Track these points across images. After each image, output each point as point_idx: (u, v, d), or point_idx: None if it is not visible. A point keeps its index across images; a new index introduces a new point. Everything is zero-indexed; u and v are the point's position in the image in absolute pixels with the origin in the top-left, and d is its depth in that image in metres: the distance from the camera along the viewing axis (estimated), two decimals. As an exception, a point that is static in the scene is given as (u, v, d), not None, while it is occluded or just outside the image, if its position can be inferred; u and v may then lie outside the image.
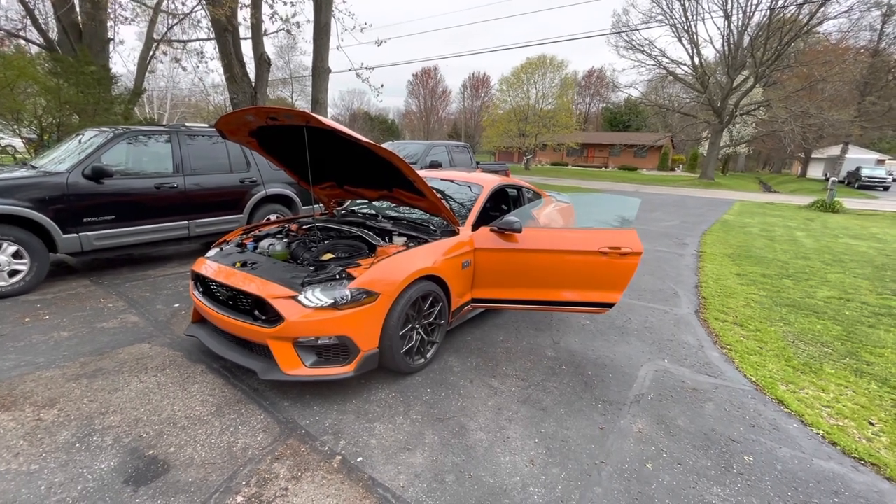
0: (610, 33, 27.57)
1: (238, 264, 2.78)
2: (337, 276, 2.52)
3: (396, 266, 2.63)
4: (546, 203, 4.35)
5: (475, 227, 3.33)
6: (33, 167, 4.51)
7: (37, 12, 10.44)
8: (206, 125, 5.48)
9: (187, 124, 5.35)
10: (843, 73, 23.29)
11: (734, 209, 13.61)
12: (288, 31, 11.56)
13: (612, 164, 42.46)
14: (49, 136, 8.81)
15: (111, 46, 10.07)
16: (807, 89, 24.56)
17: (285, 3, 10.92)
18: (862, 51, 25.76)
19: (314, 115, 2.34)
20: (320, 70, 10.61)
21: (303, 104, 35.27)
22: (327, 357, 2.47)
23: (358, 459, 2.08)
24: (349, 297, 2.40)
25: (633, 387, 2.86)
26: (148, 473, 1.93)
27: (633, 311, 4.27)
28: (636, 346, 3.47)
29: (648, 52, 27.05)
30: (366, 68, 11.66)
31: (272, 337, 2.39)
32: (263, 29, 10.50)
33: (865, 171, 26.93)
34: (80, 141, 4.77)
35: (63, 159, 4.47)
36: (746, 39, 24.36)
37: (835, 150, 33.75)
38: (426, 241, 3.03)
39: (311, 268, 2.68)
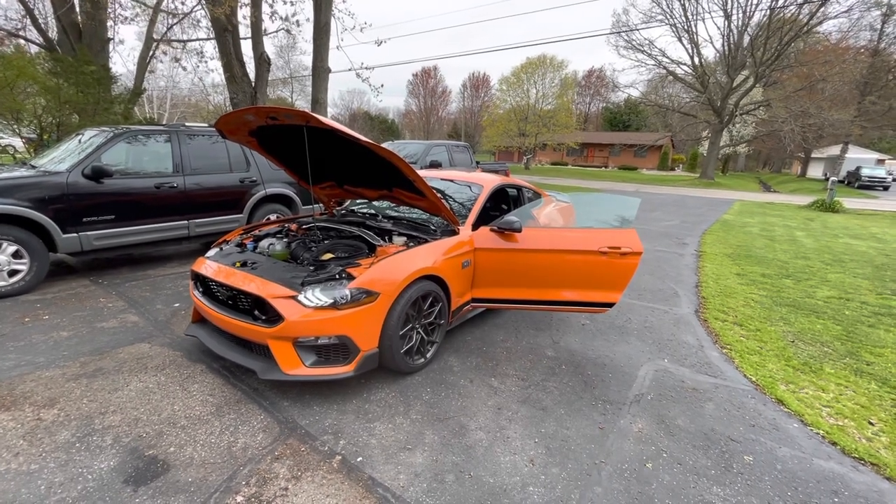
0: (610, 33, 27.60)
1: (238, 264, 2.78)
2: (337, 276, 2.52)
3: (396, 266, 2.63)
4: (546, 203, 4.35)
5: (475, 226, 3.33)
6: (33, 167, 4.50)
7: (36, 12, 10.46)
8: (205, 125, 5.48)
9: (187, 124, 5.35)
10: (843, 73, 23.28)
11: (734, 209, 13.61)
12: (288, 31, 11.58)
13: (612, 163, 42.46)
14: (49, 136, 8.81)
15: (111, 46, 10.07)
16: (807, 89, 24.55)
17: (285, 3, 10.94)
18: (862, 51, 25.75)
19: (314, 114, 2.34)
20: (320, 70, 10.61)
21: (303, 104, 35.25)
22: (327, 357, 2.47)
23: (358, 459, 2.08)
24: (349, 296, 2.40)
25: (632, 386, 2.86)
26: (148, 473, 1.93)
27: (633, 310, 4.27)
28: (636, 346, 3.47)
29: (648, 51, 27.07)
30: (366, 68, 11.66)
31: (272, 337, 2.39)
32: (263, 28, 10.50)
33: (865, 171, 26.92)
34: (79, 140, 4.77)
35: (63, 159, 4.46)
36: (746, 39, 24.35)
37: (835, 150, 33.76)
38: (426, 241, 3.03)
39: (311, 267, 2.68)
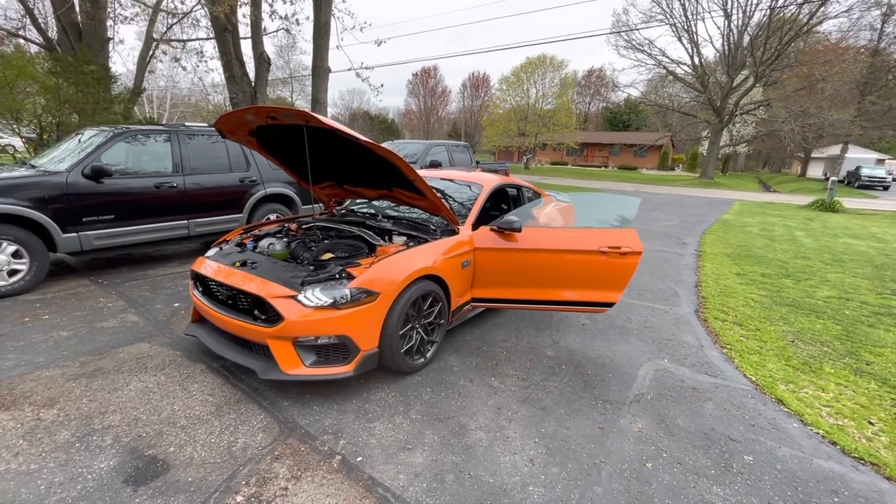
0: (610, 33, 27.60)
1: (238, 264, 2.78)
2: (337, 276, 2.52)
3: (396, 265, 2.63)
4: (546, 202, 4.35)
5: (475, 226, 3.33)
6: (33, 166, 4.50)
7: (36, 11, 10.45)
8: (205, 124, 5.48)
9: (187, 123, 5.35)
10: (843, 73, 23.29)
11: (734, 209, 13.61)
12: (287, 30, 11.58)
13: (611, 163, 42.46)
14: (48, 136, 8.80)
15: (111, 46, 10.06)
16: (807, 89, 24.56)
17: (285, 2, 10.94)
18: (862, 50, 25.76)
19: (314, 114, 2.34)
20: (320, 69, 10.60)
21: (303, 104, 35.24)
22: (327, 356, 2.47)
23: (358, 459, 2.08)
24: (349, 296, 2.40)
25: (632, 386, 2.86)
26: (147, 473, 1.93)
27: (632, 310, 4.27)
28: (636, 346, 3.47)
29: (648, 51, 27.07)
30: (365, 68, 11.65)
31: (272, 336, 2.39)
32: (263, 28, 10.50)
33: (865, 171, 26.92)
34: (79, 140, 4.76)
35: (62, 159, 4.46)
36: (746, 39, 24.35)
37: (835, 150, 33.78)
38: (426, 241, 3.02)
39: (311, 267, 2.68)
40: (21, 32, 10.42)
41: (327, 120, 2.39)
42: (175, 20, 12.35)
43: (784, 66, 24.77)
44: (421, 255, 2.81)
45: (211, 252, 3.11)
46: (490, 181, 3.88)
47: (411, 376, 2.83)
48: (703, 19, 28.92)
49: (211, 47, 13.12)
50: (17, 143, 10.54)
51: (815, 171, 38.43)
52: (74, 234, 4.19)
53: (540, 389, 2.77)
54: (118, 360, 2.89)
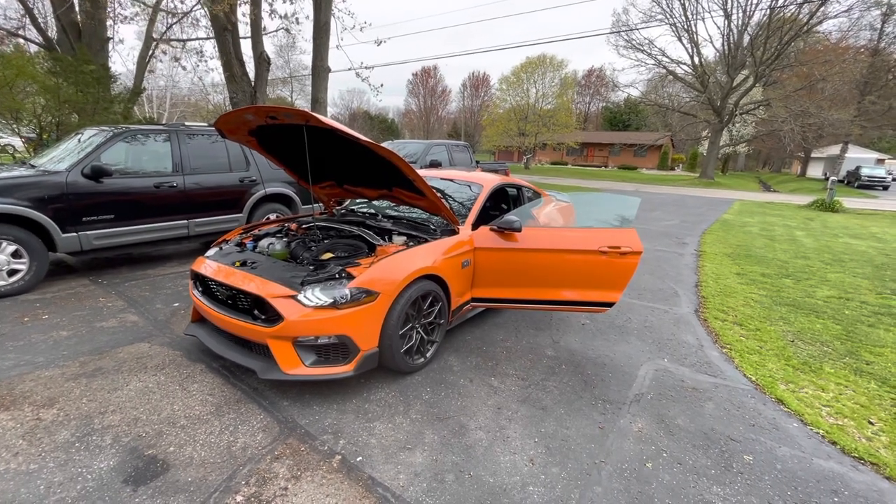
0: (610, 32, 27.58)
1: (237, 263, 2.77)
2: (337, 276, 2.51)
3: (396, 265, 2.63)
4: (546, 202, 4.35)
5: (475, 226, 3.33)
6: (32, 166, 4.50)
7: (36, 11, 10.44)
8: (205, 124, 5.48)
9: (186, 123, 5.35)
10: (842, 73, 23.29)
11: (734, 208, 13.61)
12: (287, 30, 11.57)
13: (611, 163, 42.45)
14: (48, 136, 8.80)
15: (110, 45, 10.07)
16: (807, 88, 24.55)
17: (285, 1, 10.92)
18: (862, 50, 25.76)
19: (314, 114, 2.34)
20: (320, 69, 10.60)
21: (302, 103, 35.24)
22: (327, 356, 2.47)
23: (357, 459, 2.07)
24: (349, 296, 2.40)
25: (632, 386, 2.86)
26: (147, 473, 1.93)
27: (632, 310, 4.27)
28: (636, 346, 3.47)
29: (648, 51, 27.06)
30: (365, 67, 11.65)
31: (272, 336, 2.39)
32: (263, 27, 10.49)
33: (865, 171, 26.93)
34: (79, 140, 4.76)
35: (62, 158, 4.46)
36: (746, 39, 24.34)
37: (834, 150, 33.78)
38: (426, 241, 3.02)
39: (311, 267, 2.67)
40: (21, 32, 10.42)
41: (327, 120, 2.39)
42: (175, 20, 12.34)
43: (784, 66, 24.76)
44: (421, 254, 2.81)
45: (211, 252, 3.11)
46: (490, 181, 3.88)
47: (411, 376, 2.83)
48: (702, 19, 28.96)
49: (211, 47, 13.12)
50: (17, 142, 10.53)
51: (815, 170, 38.44)
52: (74, 234, 4.19)
53: (540, 389, 2.77)
54: (118, 359, 2.89)
